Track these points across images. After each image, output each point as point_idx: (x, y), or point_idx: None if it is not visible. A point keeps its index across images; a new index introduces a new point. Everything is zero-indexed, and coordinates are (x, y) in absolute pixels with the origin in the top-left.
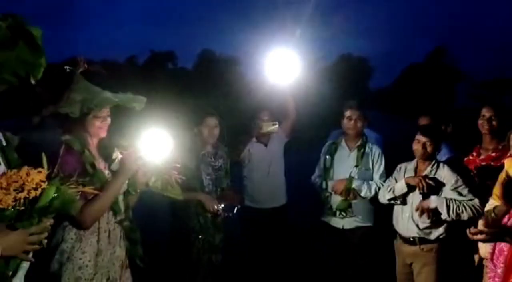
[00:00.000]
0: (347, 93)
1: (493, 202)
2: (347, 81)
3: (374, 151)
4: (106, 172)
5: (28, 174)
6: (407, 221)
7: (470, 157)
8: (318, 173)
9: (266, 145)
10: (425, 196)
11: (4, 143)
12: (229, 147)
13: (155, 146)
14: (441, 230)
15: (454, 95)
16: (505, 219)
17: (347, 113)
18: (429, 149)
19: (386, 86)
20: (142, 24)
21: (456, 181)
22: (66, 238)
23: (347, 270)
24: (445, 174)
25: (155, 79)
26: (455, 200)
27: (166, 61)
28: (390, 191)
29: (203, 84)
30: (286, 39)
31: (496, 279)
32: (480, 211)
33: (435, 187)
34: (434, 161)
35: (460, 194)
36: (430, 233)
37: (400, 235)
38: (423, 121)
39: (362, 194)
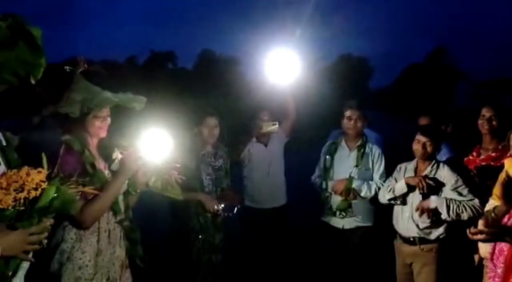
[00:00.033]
0: (347, 93)
1: (493, 202)
2: (347, 81)
3: (374, 151)
4: (106, 172)
5: (28, 174)
6: (407, 221)
7: (470, 157)
8: (318, 173)
9: (266, 145)
10: (425, 196)
11: (4, 143)
12: (229, 147)
13: (155, 146)
14: (441, 230)
15: (454, 95)
16: (505, 219)
17: (347, 113)
18: (429, 149)
19: (386, 86)
20: (142, 24)
21: (456, 181)
22: (66, 238)
23: (347, 270)
24: (445, 174)
25: (155, 79)
26: (455, 200)
27: (166, 61)
28: (390, 191)
29: (203, 84)
30: (286, 39)
31: (496, 279)
32: (480, 211)
33: (435, 187)
34: (434, 161)
35: (460, 194)
36: (430, 233)
37: (400, 235)
38: (423, 121)
39: (362, 194)
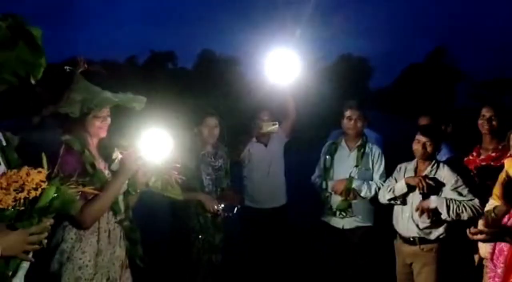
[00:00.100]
0: (347, 93)
1: (493, 202)
2: (347, 81)
3: (374, 151)
4: (106, 172)
5: (28, 174)
6: (407, 221)
7: (470, 157)
8: (318, 173)
9: (266, 145)
10: (425, 196)
11: (4, 143)
12: (229, 147)
13: (155, 146)
14: (441, 230)
15: (454, 95)
16: (505, 219)
17: (347, 113)
18: (429, 149)
19: (386, 86)
20: (142, 24)
21: (456, 181)
22: (66, 238)
23: (347, 270)
24: (445, 174)
25: (155, 79)
26: (455, 200)
27: (166, 61)
28: (390, 191)
29: (203, 84)
30: (286, 39)
31: (496, 279)
32: (480, 211)
33: (435, 187)
34: (434, 161)
35: (460, 194)
36: (430, 233)
37: (400, 235)
38: (423, 121)
39: (362, 194)
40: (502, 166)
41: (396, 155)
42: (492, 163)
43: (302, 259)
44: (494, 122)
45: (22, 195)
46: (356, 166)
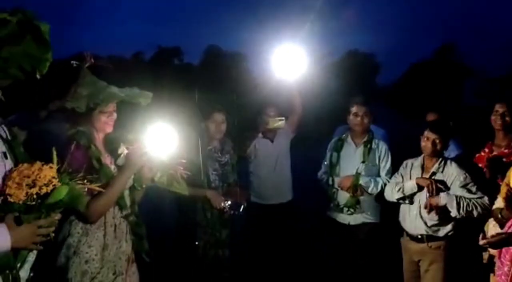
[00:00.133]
0: (354, 89)
1: (500, 200)
2: (354, 77)
3: (381, 147)
4: (112, 167)
5: (40, 170)
6: (414, 218)
7: (482, 153)
8: (324, 169)
9: (272, 141)
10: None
11: (10, 138)
12: (235, 142)
13: (161, 141)
14: (449, 227)
15: (463, 92)
16: (509, 223)
17: (353, 109)
18: (438, 146)
19: (394, 82)
20: (149, 20)
21: (465, 178)
22: (73, 232)
23: (347, 270)
24: (453, 171)
25: (161, 75)
26: (465, 198)
27: (172, 57)
28: (399, 190)
29: (209, 80)
30: (293, 35)
31: (503, 277)
32: (490, 208)
33: (444, 186)
34: (441, 158)
35: (469, 191)
36: (438, 230)
37: (407, 232)
38: (430, 117)
39: (369, 190)
40: None
41: (402, 151)
42: (504, 160)
43: (308, 256)
44: (507, 118)
45: (34, 190)
46: (363, 162)
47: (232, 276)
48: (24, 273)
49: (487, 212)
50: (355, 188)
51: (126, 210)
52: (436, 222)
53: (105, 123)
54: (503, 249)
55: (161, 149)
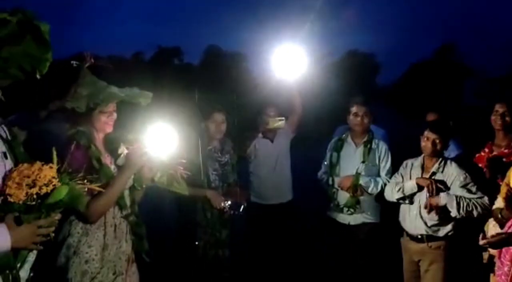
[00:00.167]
0: (354, 89)
1: (500, 200)
2: (354, 77)
3: (381, 147)
4: (112, 167)
5: (40, 170)
6: (414, 218)
7: (482, 153)
8: (324, 169)
9: (272, 141)
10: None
11: (10, 138)
12: (235, 142)
13: (161, 141)
14: (449, 227)
15: (463, 92)
16: (509, 223)
17: (353, 109)
18: (438, 146)
19: (394, 82)
20: (149, 20)
21: (465, 178)
22: (73, 232)
23: (347, 270)
24: (452, 171)
25: (161, 75)
26: (465, 198)
27: (172, 57)
28: (399, 190)
29: (209, 80)
30: (293, 35)
31: (503, 277)
32: (490, 208)
33: (444, 186)
34: (441, 158)
35: (469, 191)
36: (438, 230)
37: (407, 232)
38: (430, 117)
39: (369, 190)
40: None
41: (402, 151)
42: (504, 160)
43: (302, 259)
44: (507, 118)
45: (34, 190)
46: (363, 162)
47: (232, 276)
48: (24, 273)
49: (487, 212)
50: (355, 188)
51: (126, 210)
52: (436, 222)
53: (105, 123)
54: (503, 249)
55: (161, 149)
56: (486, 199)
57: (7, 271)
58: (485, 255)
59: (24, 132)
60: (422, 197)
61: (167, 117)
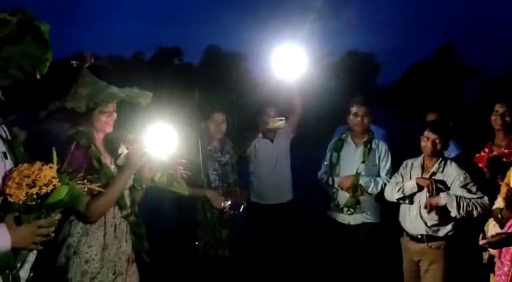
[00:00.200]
0: (354, 89)
1: (500, 200)
2: (354, 77)
3: (381, 147)
4: (112, 167)
5: (40, 170)
6: (414, 218)
7: (482, 153)
8: (324, 169)
9: (272, 141)
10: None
11: (10, 138)
12: (235, 142)
13: (161, 141)
14: (449, 227)
15: (463, 92)
16: (509, 223)
17: (353, 109)
18: (438, 146)
19: (394, 82)
20: (148, 20)
21: (465, 178)
22: (73, 232)
23: (347, 270)
24: (452, 171)
25: (161, 75)
26: (465, 198)
27: (172, 57)
28: (399, 190)
29: (209, 80)
30: (293, 35)
31: (503, 277)
32: (490, 208)
33: (444, 186)
34: (441, 158)
35: (469, 191)
36: (438, 230)
37: (407, 232)
38: (430, 117)
39: (369, 190)
40: None
41: (402, 151)
42: (504, 160)
43: (302, 259)
44: (507, 118)
45: (34, 190)
46: (363, 162)
47: (232, 276)
48: (24, 273)
49: (487, 212)
50: (355, 188)
51: (126, 210)
52: (436, 222)
53: (105, 123)
54: (503, 249)
55: (161, 149)
56: (486, 199)
57: (7, 271)
58: (485, 255)
59: (24, 132)
60: (422, 197)
61: (167, 117)
